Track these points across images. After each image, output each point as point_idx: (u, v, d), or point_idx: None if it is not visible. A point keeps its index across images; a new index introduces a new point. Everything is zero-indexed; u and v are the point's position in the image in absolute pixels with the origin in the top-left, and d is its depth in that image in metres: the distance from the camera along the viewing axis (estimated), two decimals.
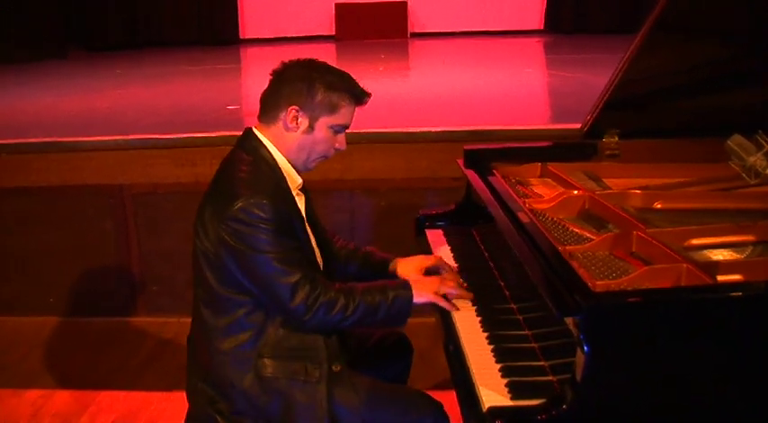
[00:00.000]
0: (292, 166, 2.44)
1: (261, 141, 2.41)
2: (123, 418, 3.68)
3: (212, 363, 2.41)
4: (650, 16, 2.51)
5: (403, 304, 2.40)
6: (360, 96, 2.41)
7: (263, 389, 2.36)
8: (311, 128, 2.38)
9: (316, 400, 2.35)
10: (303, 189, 2.51)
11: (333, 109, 2.36)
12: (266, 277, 2.27)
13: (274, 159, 2.40)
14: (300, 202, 2.48)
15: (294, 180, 2.44)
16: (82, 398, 3.86)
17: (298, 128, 2.37)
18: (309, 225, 2.51)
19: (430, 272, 2.67)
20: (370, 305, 2.36)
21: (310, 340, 2.39)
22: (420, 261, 2.71)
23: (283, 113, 2.37)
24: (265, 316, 2.38)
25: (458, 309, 2.45)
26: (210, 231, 2.31)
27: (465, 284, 2.57)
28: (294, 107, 2.35)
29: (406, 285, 2.44)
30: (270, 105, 2.42)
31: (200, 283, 2.41)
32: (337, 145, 2.44)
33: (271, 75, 2.44)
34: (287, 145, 2.40)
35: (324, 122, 2.37)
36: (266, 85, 2.47)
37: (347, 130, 2.47)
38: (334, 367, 2.40)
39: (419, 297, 2.43)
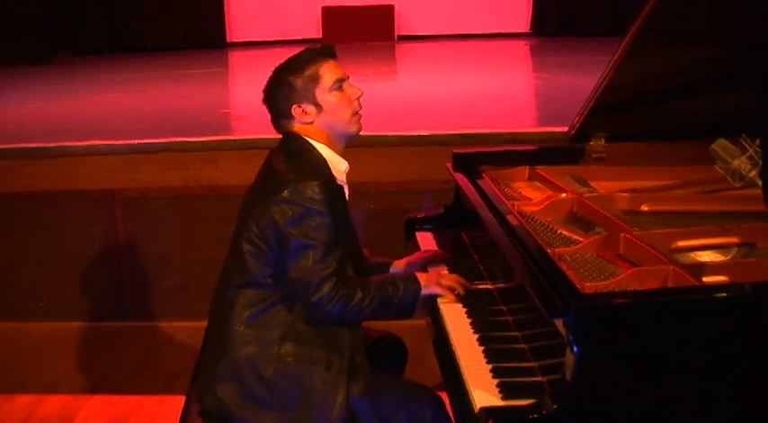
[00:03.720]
0: (336, 148, 2.52)
1: (301, 137, 2.50)
2: (115, 421, 3.69)
3: (233, 347, 2.44)
4: (636, 21, 2.54)
5: (412, 296, 2.50)
6: (324, 52, 2.52)
7: (283, 374, 2.40)
8: (318, 106, 2.47)
9: (335, 389, 2.39)
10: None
11: (316, 79, 2.47)
12: (304, 263, 2.35)
13: (317, 150, 2.49)
14: (346, 190, 2.57)
15: (339, 167, 2.53)
16: (73, 402, 3.88)
17: (311, 115, 2.48)
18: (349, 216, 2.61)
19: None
20: (383, 297, 2.45)
21: (335, 329, 2.46)
22: (412, 257, 2.88)
23: (293, 118, 2.49)
24: (294, 303, 2.44)
25: (463, 292, 2.55)
26: (261, 216, 2.39)
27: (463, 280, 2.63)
28: (293, 105, 2.47)
29: (414, 278, 2.54)
30: (279, 120, 2.54)
31: (237, 270, 2.47)
32: (353, 95, 2.51)
33: (264, 104, 2.56)
34: (318, 133, 2.50)
35: (321, 92, 2.47)
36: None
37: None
38: (357, 358, 2.47)
39: (426, 288, 2.53)
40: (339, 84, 2.48)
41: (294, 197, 2.34)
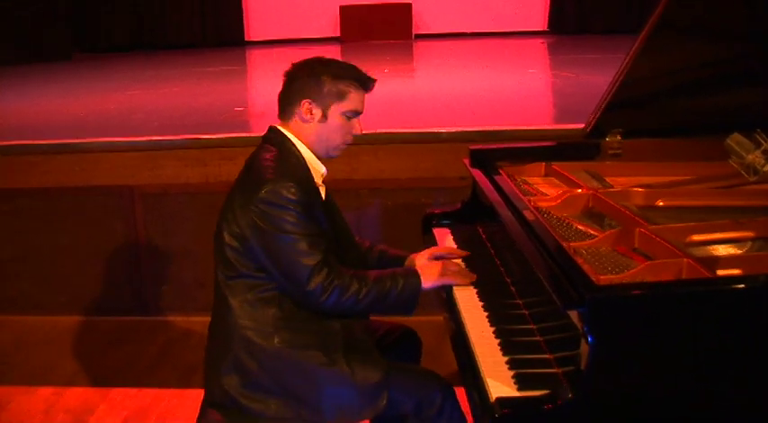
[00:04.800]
0: (315, 155, 2.56)
1: (285, 135, 2.54)
2: (135, 414, 3.73)
3: (234, 340, 2.48)
4: (651, 17, 2.55)
5: (412, 291, 2.52)
6: (365, 82, 2.54)
7: (283, 361, 2.45)
8: (325, 117, 2.51)
9: (335, 370, 2.44)
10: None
11: (341, 96, 2.50)
12: (289, 257, 2.39)
13: (299, 151, 2.52)
14: (323, 192, 2.60)
15: (318, 170, 2.57)
16: (94, 395, 3.92)
17: (313, 119, 2.51)
18: (328, 215, 2.61)
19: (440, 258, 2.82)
20: (381, 291, 2.47)
21: (327, 316, 2.49)
22: (431, 250, 2.86)
23: (297, 108, 2.52)
24: (283, 291, 2.47)
25: (467, 282, 2.60)
26: (239, 216, 2.43)
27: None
28: (306, 100, 2.50)
29: (415, 272, 2.56)
30: (285, 103, 2.57)
31: (222, 265, 2.51)
32: (354, 131, 2.56)
33: (283, 76, 2.57)
34: (307, 136, 2.53)
35: (336, 110, 2.51)
36: (274, 87, 2.61)
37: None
38: (361, 346, 2.51)
39: (427, 282, 2.55)
40: (354, 114, 2.54)
41: (270, 197, 2.38)
